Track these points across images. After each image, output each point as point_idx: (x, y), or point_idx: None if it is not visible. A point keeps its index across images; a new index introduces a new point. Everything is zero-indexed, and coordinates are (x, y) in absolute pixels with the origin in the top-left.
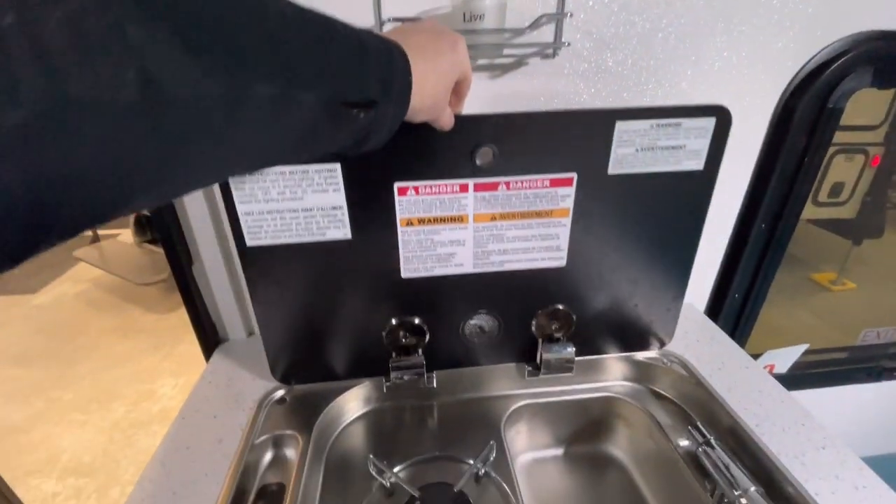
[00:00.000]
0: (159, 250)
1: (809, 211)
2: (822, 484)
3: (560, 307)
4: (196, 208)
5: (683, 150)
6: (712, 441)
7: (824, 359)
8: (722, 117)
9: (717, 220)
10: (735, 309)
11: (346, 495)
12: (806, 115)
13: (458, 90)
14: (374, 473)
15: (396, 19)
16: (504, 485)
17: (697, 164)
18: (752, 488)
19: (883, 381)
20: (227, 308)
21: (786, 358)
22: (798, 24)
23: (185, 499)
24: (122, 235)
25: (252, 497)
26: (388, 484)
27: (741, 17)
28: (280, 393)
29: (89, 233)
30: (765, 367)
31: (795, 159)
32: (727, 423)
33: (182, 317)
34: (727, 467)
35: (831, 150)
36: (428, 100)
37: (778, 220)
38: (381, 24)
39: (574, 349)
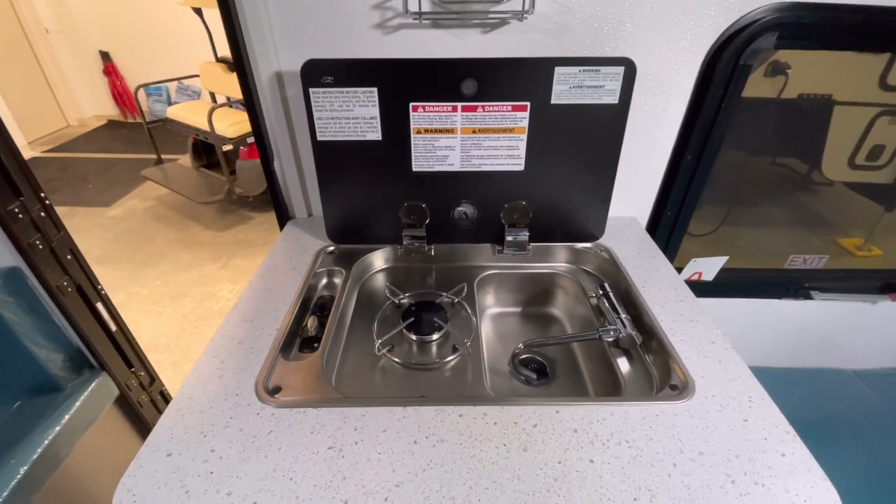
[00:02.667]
0: (214, 174)
1: (845, 173)
2: (668, 317)
3: (521, 203)
4: (276, 122)
5: (603, 88)
6: (610, 294)
7: (751, 274)
8: (629, 67)
9: (655, 152)
10: (668, 224)
11: (370, 307)
12: (723, 70)
13: None
14: (388, 295)
15: None
16: (467, 308)
17: (613, 99)
18: (624, 315)
19: (801, 300)
20: (295, 193)
21: (710, 267)
22: None
23: (275, 294)
24: (182, 160)
25: (313, 302)
26: (397, 301)
27: None
28: (331, 248)
29: (153, 155)
30: (694, 274)
31: (716, 104)
32: (624, 285)
33: (236, 235)
34: (613, 307)
35: (873, 110)
36: None
37: (701, 154)
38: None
39: (528, 234)
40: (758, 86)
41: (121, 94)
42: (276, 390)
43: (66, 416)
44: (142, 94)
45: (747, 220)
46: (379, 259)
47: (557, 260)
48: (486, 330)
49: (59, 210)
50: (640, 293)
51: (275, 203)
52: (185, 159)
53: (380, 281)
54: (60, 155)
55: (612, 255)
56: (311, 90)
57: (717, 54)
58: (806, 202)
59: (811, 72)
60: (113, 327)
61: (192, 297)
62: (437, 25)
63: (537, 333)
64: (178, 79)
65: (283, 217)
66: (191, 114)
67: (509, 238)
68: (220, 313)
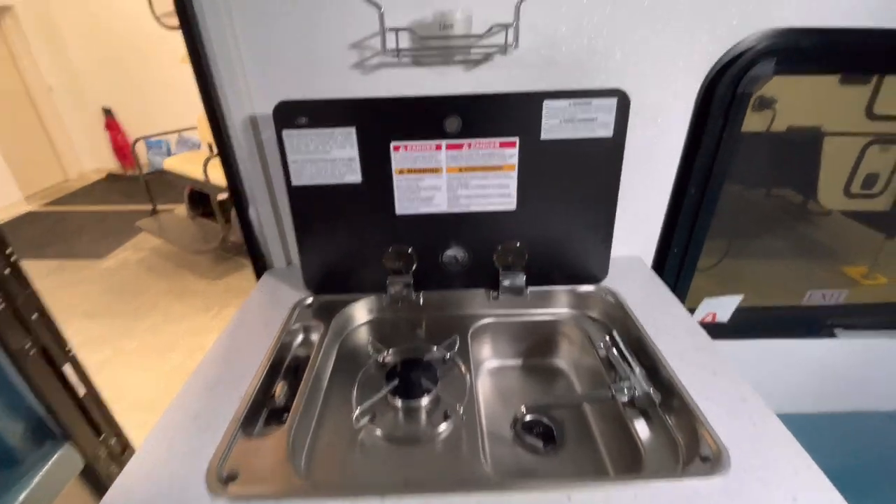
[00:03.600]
0: (209, 222)
1: (841, 202)
2: (688, 369)
3: (515, 244)
4: (251, 168)
5: (596, 121)
6: (619, 343)
7: (768, 313)
8: (622, 99)
9: (657, 186)
10: (676, 262)
11: (351, 367)
12: (721, 99)
13: None
14: (371, 351)
15: (392, 29)
16: (461, 364)
17: (607, 132)
18: (638, 368)
19: (824, 338)
20: (273, 241)
21: (725, 307)
22: (713, 22)
23: (243, 356)
24: (178, 209)
25: (286, 365)
26: (382, 359)
27: (666, 22)
28: (309, 300)
29: (149, 206)
30: (707, 315)
31: (717, 135)
32: (634, 333)
33: (229, 283)
34: (624, 358)
35: (864, 139)
36: None
37: (705, 187)
38: (385, 30)
39: (525, 276)
40: (747, 120)
41: (121, 148)
42: (231, 477)
43: (24, 494)
44: (142, 147)
45: (749, 252)
46: (361, 310)
47: (559, 305)
48: (484, 387)
49: (50, 264)
50: (654, 341)
51: (251, 252)
52: (182, 209)
53: (362, 336)
54: (57, 209)
55: (618, 298)
56: (284, 132)
57: (713, 83)
58: (806, 232)
59: (798, 104)
60: (81, 391)
61: (182, 349)
62: (417, 63)
63: (541, 389)
64: (178, 131)
65: (260, 267)
66: (187, 164)
67: (505, 282)
68: None
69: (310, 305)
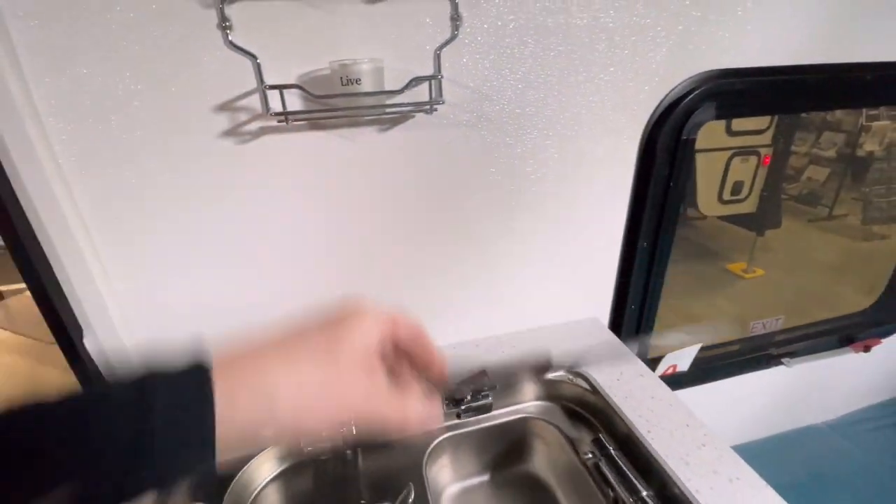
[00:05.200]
0: None
1: (716, 208)
2: (702, 481)
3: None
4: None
5: None
6: (612, 452)
7: (721, 352)
8: None
9: (607, 241)
10: (634, 319)
11: None
12: (665, 147)
13: (416, 361)
14: None
15: (273, 87)
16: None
17: None
18: (645, 493)
19: (772, 367)
20: None
21: (684, 358)
22: (649, 69)
23: None
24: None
25: None
26: None
27: (599, 67)
28: None
29: None
30: (669, 368)
31: (663, 184)
32: (623, 431)
33: None
34: (623, 476)
35: (727, 153)
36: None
37: (657, 238)
38: (265, 88)
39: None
40: None
41: None
42: None
43: None
44: None
45: None
46: (266, 464)
47: (525, 399)
48: None
49: None
50: (649, 442)
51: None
52: None
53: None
54: None
55: (591, 383)
56: None
57: (655, 130)
58: (689, 236)
59: None
60: None
61: None
62: (316, 126)
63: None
64: None
65: None
66: None
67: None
68: None
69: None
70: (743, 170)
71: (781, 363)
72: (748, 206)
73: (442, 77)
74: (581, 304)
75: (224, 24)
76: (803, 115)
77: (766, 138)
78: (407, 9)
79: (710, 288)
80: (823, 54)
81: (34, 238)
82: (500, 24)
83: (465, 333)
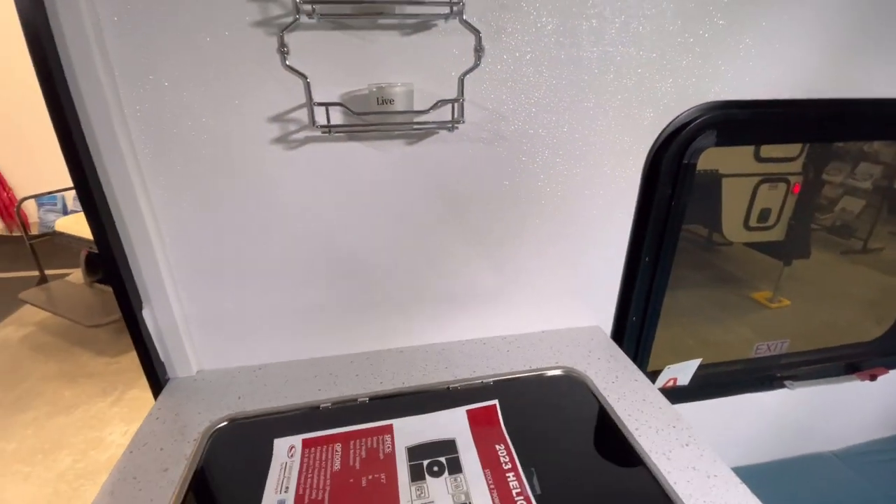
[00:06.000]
0: (110, 289)
1: (742, 234)
2: (681, 475)
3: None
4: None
5: None
6: None
7: (723, 371)
8: None
9: (611, 255)
10: (635, 330)
11: None
12: (668, 169)
13: None
14: None
15: (320, 104)
16: None
17: None
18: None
19: (775, 389)
20: (175, 344)
21: (684, 371)
22: (654, 98)
23: None
24: (73, 275)
25: None
26: None
27: (608, 95)
28: (223, 422)
29: (36, 272)
30: (669, 381)
31: (665, 203)
32: (611, 426)
33: (134, 359)
34: None
35: (755, 179)
36: None
37: (659, 254)
38: (313, 105)
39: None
40: None
41: (7, 207)
42: None
43: None
44: (32, 206)
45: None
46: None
47: None
48: None
49: None
50: (636, 438)
51: (143, 364)
52: (77, 275)
53: None
54: None
55: (587, 384)
56: None
57: (659, 154)
58: (715, 262)
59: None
60: None
61: (73, 447)
62: (353, 138)
63: None
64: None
65: (157, 382)
66: (84, 224)
67: None
68: (106, 466)
69: (231, 428)
70: (771, 197)
71: (784, 385)
72: (776, 234)
73: (464, 100)
74: (585, 312)
75: (282, 50)
76: (839, 144)
77: (797, 166)
78: (436, 41)
79: (733, 315)
80: (821, 89)
81: (113, 225)
82: (517, 55)
83: (474, 332)
